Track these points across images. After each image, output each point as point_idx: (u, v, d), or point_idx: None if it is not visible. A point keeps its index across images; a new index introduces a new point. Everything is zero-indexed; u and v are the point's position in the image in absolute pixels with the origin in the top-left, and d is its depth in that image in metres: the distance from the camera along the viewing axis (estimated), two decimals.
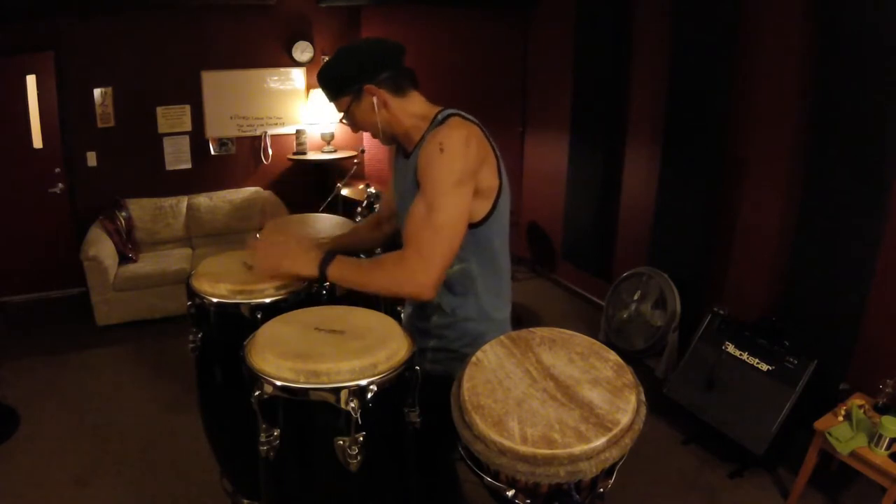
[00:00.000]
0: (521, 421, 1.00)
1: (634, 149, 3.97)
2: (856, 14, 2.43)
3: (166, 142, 4.56)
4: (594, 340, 1.21)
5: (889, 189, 2.42)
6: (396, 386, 1.21)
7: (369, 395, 1.14)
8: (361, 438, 1.15)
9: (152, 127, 4.49)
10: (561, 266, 4.89)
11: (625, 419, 1.00)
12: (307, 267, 1.39)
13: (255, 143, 4.80)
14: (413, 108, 1.41)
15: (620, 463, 1.03)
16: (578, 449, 0.94)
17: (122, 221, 4.25)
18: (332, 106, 1.46)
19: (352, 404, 1.12)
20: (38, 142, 4.27)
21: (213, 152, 4.71)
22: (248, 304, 1.48)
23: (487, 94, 4.95)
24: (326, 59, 4.68)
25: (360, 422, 1.13)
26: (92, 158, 4.38)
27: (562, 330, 1.25)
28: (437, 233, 1.26)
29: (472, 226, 1.35)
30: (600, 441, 0.96)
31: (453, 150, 1.27)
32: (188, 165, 4.66)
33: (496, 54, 5.00)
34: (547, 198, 4.91)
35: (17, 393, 3.17)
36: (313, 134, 4.84)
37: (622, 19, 3.85)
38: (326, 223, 2.58)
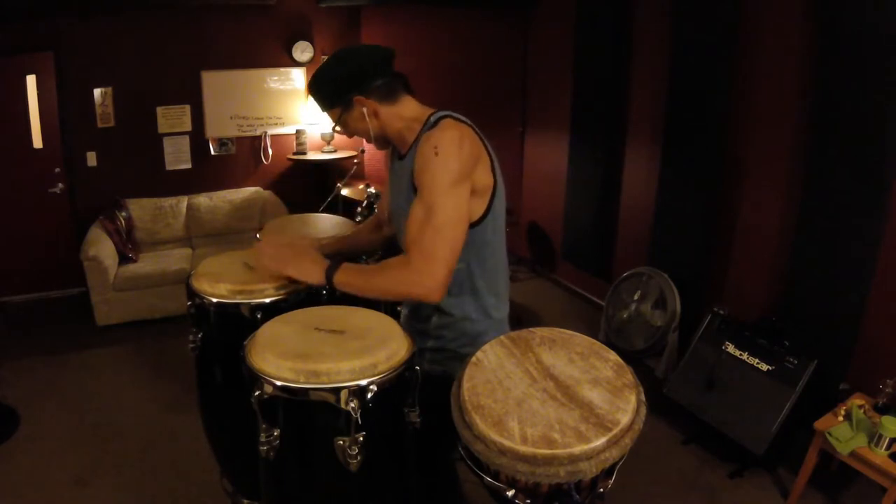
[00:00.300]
0: (521, 421, 1.00)
1: (634, 149, 3.97)
2: (856, 14, 2.43)
3: (166, 142, 4.56)
4: (594, 340, 1.21)
5: (889, 189, 2.42)
6: (396, 386, 1.21)
7: (369, 395, 1.14)
8: (361, 438, 1.15)
9: (152, 127, 4.49)
10: (561, 266, 4.89)
11: (625, 419, 1.00)
12: (313, 275, 1.40)
13: (255, 143, 4.80)
14: (405, 113, 1.42)
15: (620, 463, 1.03)
16: (578, 449, 0.94)
17: (122, 221, 4.25)
18: None
19: (352, 404, 1.12)
20: (38, 142, 4.27)
21: (213, 152, 4.71)
22: (248, 304, 1.48)
23: (487, 94, 4.95)
24: (325, 57, 4.69)
25: (360, 422, 1.13)
26: (92, 158, 4.38)
27: (562, 330, 1.26)
28: (439, 233, 1.26)
29: (470, 226, 1.35)
30: (600, 441, 0.96)
31: (448, 151, 1.27)
32: (188, 165, 4.66)
33: (496, 54, 5.00)
34: (547, 198, 4.91)
35: (17, 393, 3.17)
36: (313, 134, 4.84)
37: (622, 19, 3.85)
38: (326, 223, 2.57)
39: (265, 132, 4.78)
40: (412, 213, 1.31)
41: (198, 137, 4.64)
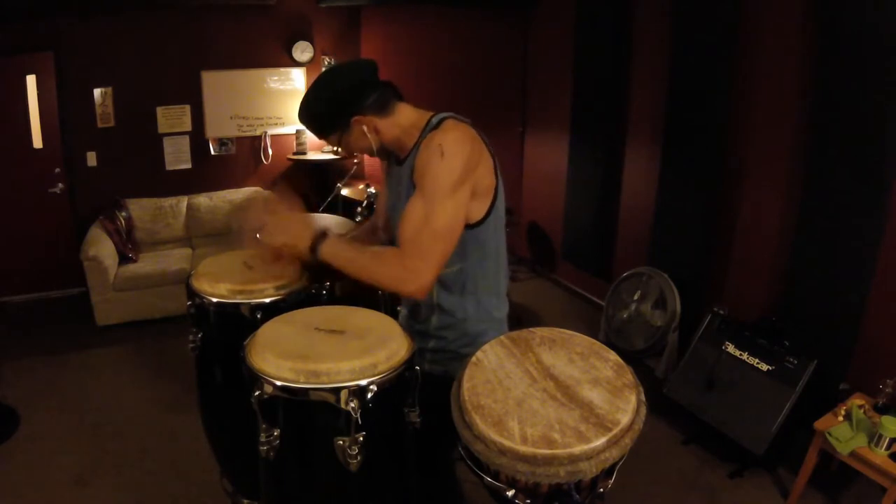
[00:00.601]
0: (521, 421, 1.00)
1: (634, 149, 3.97)
2: (856, 14, 2.43)
3: (166, 142, 4.56)
4: (594, 340, 1.21)
5: (889, 189, 2.42)
6: (396, 386, 1.21)
7: (369, 395, 1.14)
8: (361, 438, 1.15)
9: (152, 127, 4.49)
10: (561, 266, 4.89)
11: (625, 419, 1.00)
12: (302, 239, 1.36)
13: (255, 143, 4.80)
14: (401, 121, 1.41)
15: (620, 463, 1.03)
16: (578, 449, 0.94)
17: (122, 221, 4.25)
18: None
19: (352, 404, 1.12)
20: (38, 142, 4.27)
21: (213, 152, 4.71)
22: (248, 304, 1.49)
23: (487, 94, 4.95)
24: (325, 58, 4.69)
25: (360, 422, 1.13)
26: (92, 158, 4.38)
27: (562, 330, 1.26)
28: (436, 237, 1.26)
29: (471, 226, 1.35)
30: (600, 441, 0.96)
31: (453, 151, 1.27)
32: (188, 165, 4.66)
33: (496, 54, 5.00)
34: (547, 198, 4.91)
35: (17, 393, 3.16)
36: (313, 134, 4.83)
37: (622, 19, 3.85)
38: (326, 223, 2.57)
39: (265, 132, 4.78)
40: (411, 210, 1.31)
41: (198, 137, 4.63)
